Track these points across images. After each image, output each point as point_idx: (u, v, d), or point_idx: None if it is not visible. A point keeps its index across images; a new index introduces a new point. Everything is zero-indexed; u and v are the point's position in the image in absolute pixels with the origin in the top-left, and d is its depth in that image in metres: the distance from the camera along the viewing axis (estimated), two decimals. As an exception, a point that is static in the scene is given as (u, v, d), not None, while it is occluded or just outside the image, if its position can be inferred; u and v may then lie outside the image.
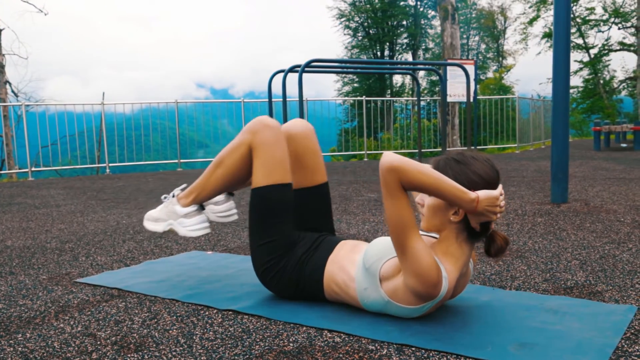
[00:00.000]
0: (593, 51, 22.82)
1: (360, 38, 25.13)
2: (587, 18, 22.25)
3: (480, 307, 1.55)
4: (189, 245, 2.61)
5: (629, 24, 21.23)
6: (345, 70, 14.81)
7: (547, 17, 22.77)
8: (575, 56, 22.97)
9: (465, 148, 8.36)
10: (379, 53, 24.75)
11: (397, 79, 25.90)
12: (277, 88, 7.64)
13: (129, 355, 1.29)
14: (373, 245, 1.48)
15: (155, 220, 1.90)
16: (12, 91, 16.13)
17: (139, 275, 2.02)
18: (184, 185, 1.88)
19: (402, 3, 24.78)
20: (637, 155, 7.94)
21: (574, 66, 22.72)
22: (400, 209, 1.33)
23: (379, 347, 1.29)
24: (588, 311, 1.50)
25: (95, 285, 1.92)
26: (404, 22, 25.17)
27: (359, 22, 24.96)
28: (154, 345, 1.35)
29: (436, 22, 23.64)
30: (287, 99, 6.02)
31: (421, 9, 25.01)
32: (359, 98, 12.79)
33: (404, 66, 10.66)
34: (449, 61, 9.62)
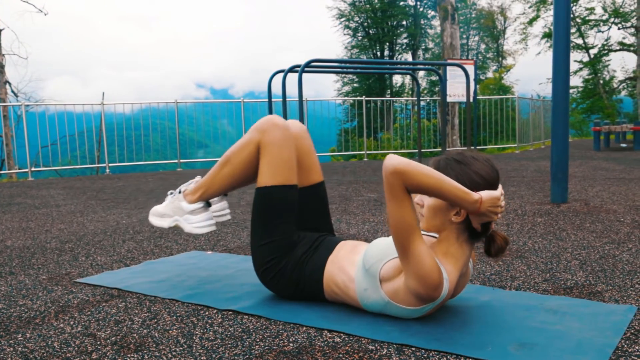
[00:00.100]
0: (593, 51, 22.84)
1: (360, 38, 25.14)
2: (587, 18, 22.26)
3: (480, 307, 1.55)
4: (189, 245, 2.61)
5: (628, 24, 21.25)
6: (345, 70, 14.80)
7: (547, 17, 22.80)
8: (575, 56, 23.02)
9: (465, 148, 8.36)
10: (378, 53, 24.75)
11: (397, 79, 25.93)
12: (276, 88, 7.66)
13: (128, 355, 1.29)
14: (373, 246, 1.48)
15: (161, 215, 1.89)
16: (12, 91, 16.14)
17: (138, 275, 2.02)
18: (190, 181, 1.87)
19: (402, 3, 24.79)
20: (636, 155, 7.95)
21: (573, 66, 22.75)
22: (404, 212, 1.32)
23: (379, 347, 1.29)
24: (588, 311, 1.50)
25: (95, 285, 1.92)
26: (404, 22, 25.18)
27: (359, 22, 24.97)
28: (154, 345, 1.35)
29: (436, 22, 23.65)
30: (287, 99, 6.01)
31: (421, 9, 25.02)
32: (358, 98, 12.80)
33: (403, 66, 10.66)
34: (449, 61, 9.62)
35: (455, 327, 1.39)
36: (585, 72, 23.46)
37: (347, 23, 24.77)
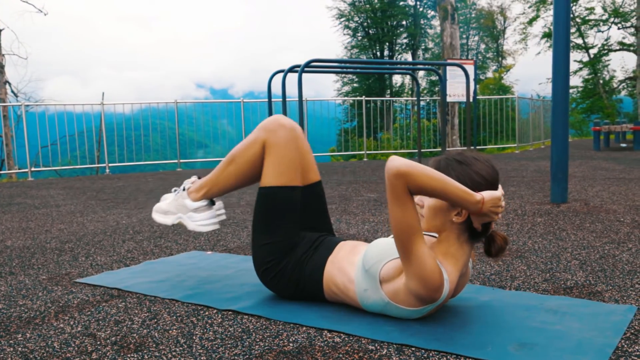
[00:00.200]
0: (593, 51, 22.84)
1: (359, 38, 25.15)
2: (587, 18, 22.27)
3: (480, 307, 1.55)
4: (189, 245, 2.61)
5: (628, 24, 21.25)
6: (344, 70, 14.81)
7: (547, 17, 22.80)
8: (575, 56, 23.04)
9: (465, 148, 8.37)
10: (378, 53, 24.76)
11: (397, 79, 25.93)
12: (276, 88, 7.65)
13: (128, 355, 1.29)
14: (372, 247, 1.48)
15: (165, 212, 1.89)
16: (12, 91, 16.14)
17: (138, 276, 2.02)
18: (194, 178, 1.87)
19: (401, 3, 24.80)
20: (636, 155, 7.95)
21: (573, 66, 22.75)
22: (406, 214, 1.32)
23: (378, 347, 1.29)
24: (588, 311, 1.50)
25: (95, 285, 1.92)
26: (404, 22, 25.19)
27: (359, 22, 24.98)
28: (154, 345, 1.35)
29: (436, 22, 23.66)
30: (287, 99, 6.02)
31: (421, 9, 25.03)
32: (358, 98, 12.80)
33: (403, 66, 10.66)
34: (449, 61, 9.62)
35: (455, 327, 1.39)
36: (585, 72, 23.48)
37: (346, 23, 24.78)
